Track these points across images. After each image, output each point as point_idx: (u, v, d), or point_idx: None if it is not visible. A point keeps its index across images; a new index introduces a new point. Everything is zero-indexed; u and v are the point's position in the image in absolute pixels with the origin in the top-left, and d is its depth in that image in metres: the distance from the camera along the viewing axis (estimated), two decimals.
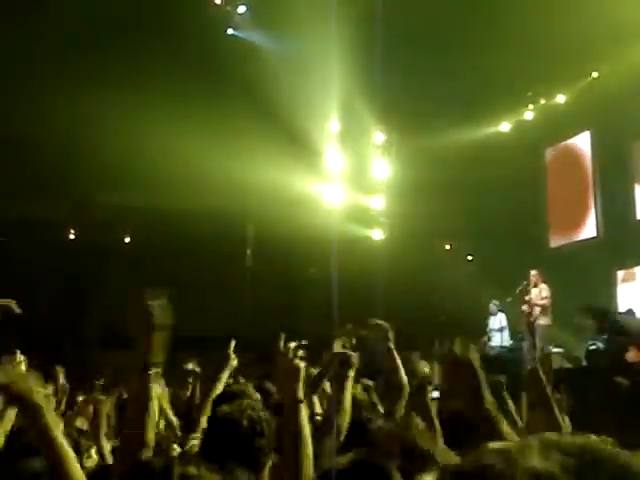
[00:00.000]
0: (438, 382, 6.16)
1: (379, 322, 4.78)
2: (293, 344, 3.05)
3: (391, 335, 4.62)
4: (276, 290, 17.65)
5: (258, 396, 4.25)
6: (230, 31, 17.45)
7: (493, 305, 15.09)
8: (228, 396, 3.58)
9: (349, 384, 3.72)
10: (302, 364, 2.98)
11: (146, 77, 15.34)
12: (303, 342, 3.23)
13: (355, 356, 3.86)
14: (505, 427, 1.80)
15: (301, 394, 2.92)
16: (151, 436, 2.61)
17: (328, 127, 18.85)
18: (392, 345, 4.66)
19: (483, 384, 1.84)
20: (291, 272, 17.66)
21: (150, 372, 2.65)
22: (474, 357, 1.89)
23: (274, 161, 16.05)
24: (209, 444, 2.88)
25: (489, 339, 14.92)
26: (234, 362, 4.41)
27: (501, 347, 14.77)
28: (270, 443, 2.94)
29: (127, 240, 18.84)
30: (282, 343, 3.07)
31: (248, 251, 18.70)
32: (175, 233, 17.12)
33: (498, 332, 14.94)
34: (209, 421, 2.89)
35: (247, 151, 15.94)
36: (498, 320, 14.99)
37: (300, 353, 3.04)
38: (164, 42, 15.60)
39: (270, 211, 16.86)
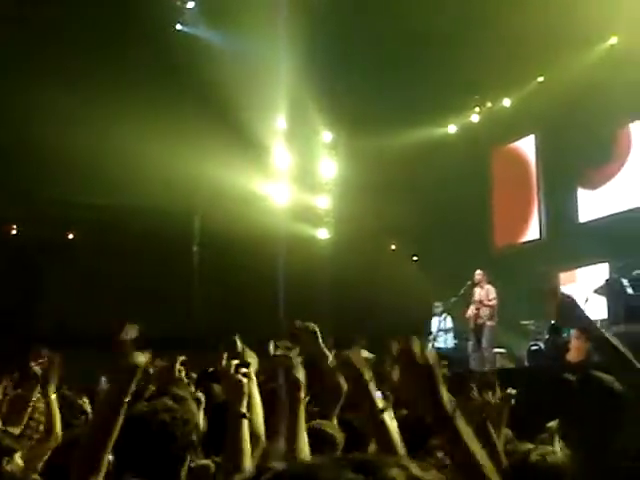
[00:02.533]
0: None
1: (306, 324, 4.53)
2: (235, 362, 3.05)
3: (319, 335, 4.45)
4: (222, 288, 17.52)
5: (201, 396, 4.19)
6: (179, 26, 17.28)
7: (437, 307, 15.14)
8: (153, 395, 3.52)
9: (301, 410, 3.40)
10: (245, 380, 2.99)
11: (91, 70, 15.12)
12: (248, 360, 3.20)
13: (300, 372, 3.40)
14: (463, 425, 1.77)
15: (244, 409, 2.93)
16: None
17: (276, 125, 18.80)
18: (321, 345, 4.52)
19: (440, 383, 1.81)
20: (237, 270, 17.54)
21: (136, 374, 2.71)
22: (431, 355, 1.86)
23: (222, 158, 15.93)
24: (121, 444, 2.79)
25: (434, 340, 14.98)
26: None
27: (446, 348, 14.84)
28: (187, 448, 2.87)
29: (70, 236, 18.53)
30: (224, 360, 3.07)
31: (194, 248, 18.55)
32: (120, 229, 16.89)
33: (443, 333, 15.00)
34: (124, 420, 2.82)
35: (195, 148, 15.80)
36: (443, 321, 15.03)
37: (243, 370, 3.03)
38: (111, 35, 15.38)
39: (217, 208, 16.74)
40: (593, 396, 2.74)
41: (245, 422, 2.92)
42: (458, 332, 15.16)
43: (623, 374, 2.72)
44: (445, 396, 1.79)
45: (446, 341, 15.02)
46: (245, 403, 2.96)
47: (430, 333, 14.93)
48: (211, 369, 5.33)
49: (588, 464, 2.67)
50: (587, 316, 2.93)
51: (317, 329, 4.43)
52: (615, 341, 2.75)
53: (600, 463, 2.65)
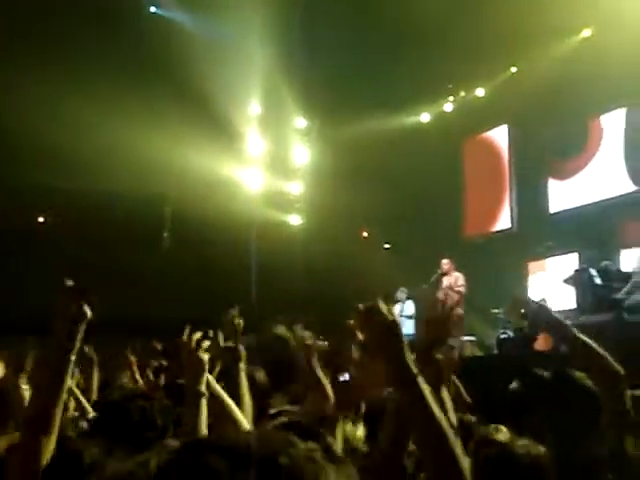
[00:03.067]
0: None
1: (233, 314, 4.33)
2: (197, 335, 2.99)
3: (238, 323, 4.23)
4: (193, 273, 17.47)
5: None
6: (153, 9, 17.12)
7: (401, 292, 15.18)
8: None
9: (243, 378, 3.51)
10: (206, 356, 2.93)
11: (63, 54, 14.95)
12: (209, 333, 3.17)
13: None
14: (426, 386, 1.77)
15: (203, 387, 2.88)
16: (57, 422, 2.55)
17: (249, 111, 18.74)
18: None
19: (404, 343, 1.81)
20: (209, 255, 17.49)
21: (70, 358, 2.61)
22: (394, 311, 1.87)
23: (194, 143, 15.86)
24: (98, 430, 2.77)
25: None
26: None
27: (408, 334, 14.89)
28: (164, 434, 2.86)
29: (41, 220, 18.37)
30: (186, 335, 3.00)
31: (165, 234, 18.45)
32: (91, 214, 16.77)
33: (408, 319, 15.05)
34: (98, 407, 2.77)
35: (168, 133, 15.70)
36: (407, 307, 15.10)
37: (205, 345, 2.98)
38: (83, 18, 15.22)
39: (189, 194, 16.67)
40: (570, 395, 2.75)
41: (204, 401, 2.87)
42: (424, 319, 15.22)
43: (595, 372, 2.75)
44: (409, 356, 1.79)
45: (408, 327, 15.08)
46: (204, 381, 2.91)
47: None
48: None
49: (563, 461, 2.69)
50: (557, 318, 2.95)
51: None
52: (586, 338, 2.79)
53: (576, 461, 2.67)
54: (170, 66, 15.67)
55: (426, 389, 1.75)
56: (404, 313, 14.95)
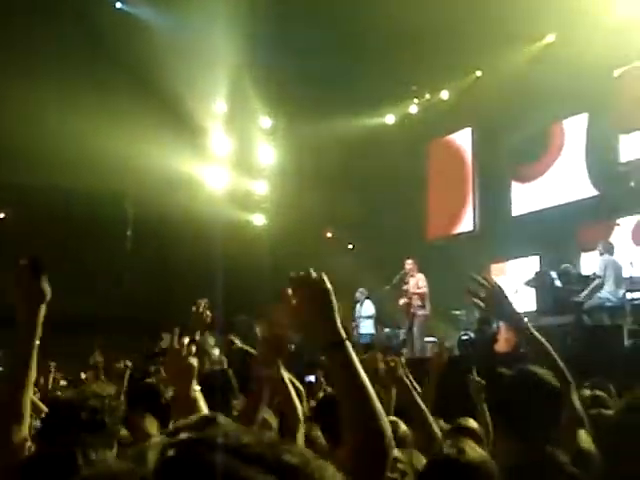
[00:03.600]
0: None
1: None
2: (186, 340, 2.95)
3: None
4: (156, 273, 17.37)
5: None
6: (118, 4, 16.98)
7: (360, 293, 15.21)
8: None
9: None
10: (195, 361, 2.90)
11: (24, 48, 14.77)
12: (196, 338, 3.16)
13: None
14: (352, 353, 1.83)
15: (193, 392, 2.86)
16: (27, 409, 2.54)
17: (215, 109, 18.67)
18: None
19: (335, 309, 1.87)
20: (172, 254, 17.40)
21: (34, 342, 2.60)
22: (328, 282, 1.93)
23: (160, 141, 15.75)
24: (47, 429, 2.73)
25: (357, 327, 15.09)
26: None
27: (370, 334, 14.93)
28: (113, 436, 2.83)
29: (1, 216, 18.15)
30: (175, 338, 2.96)
31: (128, 232, 18.31)
32: (53, 211, 16.59)
33: (366, 319, 15.09)
34: (50, 405, 2.74)
35: (132, 130, 15.57)
36: (365, 308, 15.14)
37: (193, 350, 2.94)
38: (47, 11, 15.04)
39: (153, 192, 16.54)
40: (532, 392, 2.78)
41: (195, 404, 2.85)
42: (389, 320, 15.26)
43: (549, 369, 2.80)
44: (339, 322, 1.86)
45: (367, 327, 15.12)
46: (193, 388, 2.88)
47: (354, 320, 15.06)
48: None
49: (525, 458, 2.72)
50: (517, 311, 3.00)
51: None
52: (541, 337, 2.84)
53: (538, 458, 2.70)
54: (135, 62, 15.55)
55: (352, 353, 1.84)
56: (362, 314, 15.00)
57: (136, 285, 17.22)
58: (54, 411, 2.70)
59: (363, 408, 1.79)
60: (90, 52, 15.51)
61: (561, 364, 2.79)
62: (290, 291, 1.98)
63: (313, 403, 5.72)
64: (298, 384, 3.97)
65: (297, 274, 1.96)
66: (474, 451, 2.30)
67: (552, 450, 2.70)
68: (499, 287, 3.03)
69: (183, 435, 0.87)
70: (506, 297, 2.97)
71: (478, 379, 4.94)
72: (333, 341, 1.85)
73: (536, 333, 2.86)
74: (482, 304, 3.00)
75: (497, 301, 2.96)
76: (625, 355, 9.00)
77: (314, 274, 1.94)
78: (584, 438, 2.63)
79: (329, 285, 1.94)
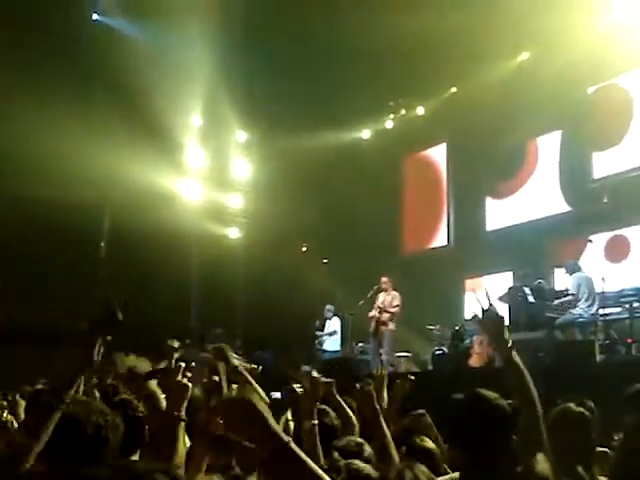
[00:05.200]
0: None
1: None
2: (183, 364, 3.01)
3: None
4: (130, 285, 17.22)
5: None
6: (95, 16, 16.92)
7: (328, 311, 15.22)
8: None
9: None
10: (190, 384, 2.95)
11: (0, 60, 14.65)
12: (192, 365, 3.19)
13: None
14: (301, 452, 1.77)
15: (184, 413, 2.90)
16: None
17: (190, 122, 18.63)
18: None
19: (266, 414, 1.77)
20: (146, 267, 17.26)
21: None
22: (247, 390, 1.84)
23: (135, 153, 15.66)
24: (51, 445, 2.71)
25: (320, 343, 15.07)
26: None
27: (333, 352, 14.88)
28: (115, 452, 2.82)
29: None
30: (173, 361, 3.02)
31: (102, 243, 18.16)
32: (28, 222, 16.42)
33: (329, 336, 15.08)
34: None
35: (107, 141, 15.50)
36: (332, 324, 15.15)
37: (188, 374, 3.00)
38: (24, 23, 14.97)
39: (127, 203, 16.43)
40: (480, 415, 2.78)
41: (182, 426, 2.90)
42: (360, 336, 15.21)
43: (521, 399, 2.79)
44: (275, 425, 1.75)
45: (332, 344, 15.09)
46: (185, 407, 2.93)
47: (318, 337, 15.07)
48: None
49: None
50: (507, 341, 2.97)
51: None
52: (524, 370, 2.83)
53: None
54: (112, 75, 15.51)
55: (299, 453, 1.73)
56: (327, 330, 15.01)
57: (110, 297, 17.05)
58: (60, 426, 2.69)
59: None
60: (67, 63, 15.41)
61: (535, 398, 2.77)
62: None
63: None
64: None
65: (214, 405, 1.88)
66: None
67: (499, 471, 2.71)
68: (499, 315, 3.03)
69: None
70: (503, 324, 2.98)
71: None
72: (275, 447, 1.72)
73: (521, 365, 2.85)
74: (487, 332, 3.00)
75: (497, 329, 2.97)
76: (596, 370, 9.06)
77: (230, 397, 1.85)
78: (539, 459, 2.62)
79: (251, 398, 1.78)
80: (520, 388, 2.79)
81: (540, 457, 2.60)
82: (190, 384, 2.95)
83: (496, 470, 2.69)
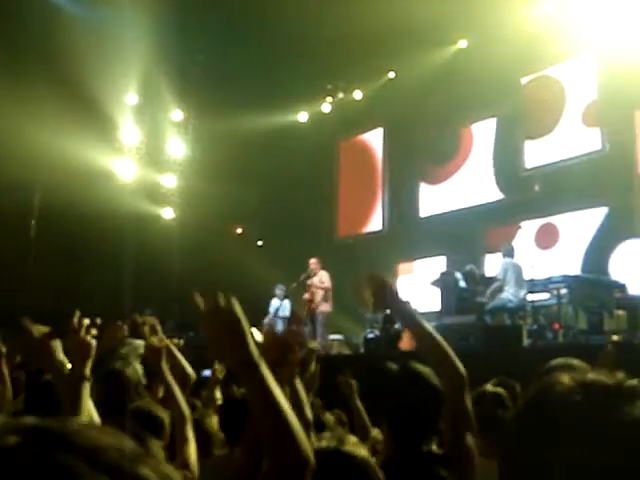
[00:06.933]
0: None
1: (146, 318, 4.14)
2: (87, 321, 2.98)
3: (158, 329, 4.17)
4: (62, 265, 16.96)
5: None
6: None
7: (279, 290, 15.06)
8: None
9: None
10: (94, 342, 2.94)
11: None
12: (97, 320, 3.16)
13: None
14: (268, 372, 1.81)
15: (88, 372, 2.87)
16: None
17: (126, 100, 18.36)
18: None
19: (247, 331, 1.85)
20: (79, 246, 17.02)
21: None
22: (237, 306, 1.88)
23: (68, 131, 15.37)
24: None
25: (272, 326, 14.90)
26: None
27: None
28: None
29: None
30: (76, 320, 2.98)
31: (33, 222, 17.81)
32: None
33: (280, 320, 14.91)
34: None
35: (39, 118, 15.16)
36: (283, 307, 14.97)
37: (93, 332, 2.98)
38: None
39: (59, 182, 16.13)
40: (412, 389, 2.78)
41: (87, 385, 2.88)
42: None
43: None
44: (252, 343, 1.83)
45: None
46: (89, 366, 2.91)
47: (267, 317, 14.90)
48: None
49: (399, 457, 2.76)
50: (408, 306, 2.95)
51: (157, 323, 4.22)
52: (432, 329, 2.80)
53: (411, 457, 2.73)
54: (48, 50, 15.17)
55: (268, 376, 1.80)
56: (280, 314, 14.76)
57: (40, 277, 16.78)
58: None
59: (280, 426, 1.76)
60: (6, 38, 15.04)
61: (453, 357, 2.74)
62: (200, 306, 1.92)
63: (218, 394, 5.75)
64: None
65: (204, 306, 1.89)
66: (355, 444, 2.32)
67: (428, 449, 2.75)
68: (389, 285, 2.96)
69: (28, 420, 0.74)
70: (396, 294, 2.93)
71: (348, 380, 4.98)
72: (245, 360, 1.80)
73: (427, 325, 2.80)
74: (369, 302, 2.94)
75: (388, 299, 2.91)
76: (523, 355, 9.26)
77: (222, 302, 1.87)
78: (468, 439, 2.65)
79: (239, 312, 1.85)
80: (433, 348, 2.79)
81: (469, 437, 2.65)
82: (94, 342, 2.94)
83: (420, 445, 2.73)
